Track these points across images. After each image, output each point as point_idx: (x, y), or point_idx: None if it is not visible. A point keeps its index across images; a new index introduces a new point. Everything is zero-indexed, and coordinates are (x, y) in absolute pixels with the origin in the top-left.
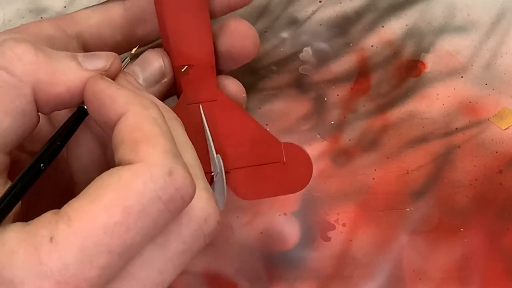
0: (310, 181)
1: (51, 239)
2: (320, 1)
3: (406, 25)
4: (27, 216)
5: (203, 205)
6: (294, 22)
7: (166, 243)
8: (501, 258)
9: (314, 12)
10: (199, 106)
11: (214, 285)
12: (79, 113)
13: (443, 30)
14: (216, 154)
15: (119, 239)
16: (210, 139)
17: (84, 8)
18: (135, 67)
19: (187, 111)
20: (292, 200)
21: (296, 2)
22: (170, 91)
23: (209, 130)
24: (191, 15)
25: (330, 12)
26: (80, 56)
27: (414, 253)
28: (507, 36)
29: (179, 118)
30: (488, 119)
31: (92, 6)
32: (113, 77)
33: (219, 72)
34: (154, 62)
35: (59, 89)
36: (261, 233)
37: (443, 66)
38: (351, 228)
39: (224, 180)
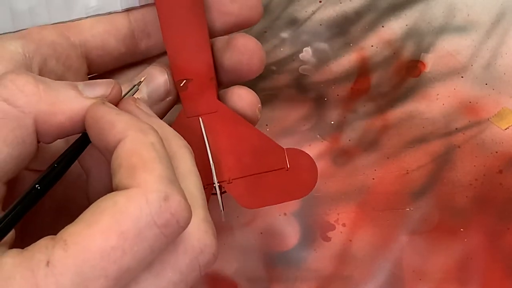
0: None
1: (47, 263)
2: (320, 1)
3: (406, 25)
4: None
5: (200, 235)
6: (294, 22)
7: (162, 272)
8: (501, 258)
9: (314, 12)
10: (198, 119)
11: (214, 285)
12: (82, 139)
13: (443, 30)
14: (213, 164)
15: (116, 263)
16: (209, 150)
17: (89, 17)
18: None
19: (188, 125)
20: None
21: (296, 2)
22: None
23: (210, 141)
24: (187, 29)
25: (330, 12)
26: (80, 84)
27: (414, 253)
28: (507, 36)
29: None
30: (488, 119)
31: (97, 16)
32: (114, 104)
33: (222, 86)
34: (158, 78)
35: (60, 118)
36: (261, 233)
37: (443, 66)
38: (351, 228)
39: (218, 192)
